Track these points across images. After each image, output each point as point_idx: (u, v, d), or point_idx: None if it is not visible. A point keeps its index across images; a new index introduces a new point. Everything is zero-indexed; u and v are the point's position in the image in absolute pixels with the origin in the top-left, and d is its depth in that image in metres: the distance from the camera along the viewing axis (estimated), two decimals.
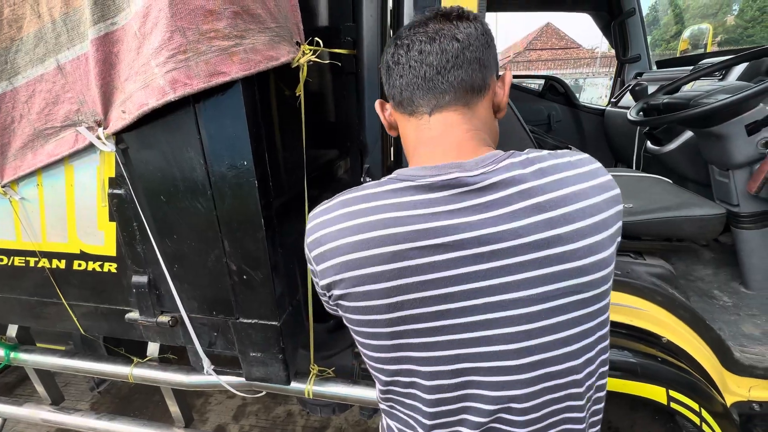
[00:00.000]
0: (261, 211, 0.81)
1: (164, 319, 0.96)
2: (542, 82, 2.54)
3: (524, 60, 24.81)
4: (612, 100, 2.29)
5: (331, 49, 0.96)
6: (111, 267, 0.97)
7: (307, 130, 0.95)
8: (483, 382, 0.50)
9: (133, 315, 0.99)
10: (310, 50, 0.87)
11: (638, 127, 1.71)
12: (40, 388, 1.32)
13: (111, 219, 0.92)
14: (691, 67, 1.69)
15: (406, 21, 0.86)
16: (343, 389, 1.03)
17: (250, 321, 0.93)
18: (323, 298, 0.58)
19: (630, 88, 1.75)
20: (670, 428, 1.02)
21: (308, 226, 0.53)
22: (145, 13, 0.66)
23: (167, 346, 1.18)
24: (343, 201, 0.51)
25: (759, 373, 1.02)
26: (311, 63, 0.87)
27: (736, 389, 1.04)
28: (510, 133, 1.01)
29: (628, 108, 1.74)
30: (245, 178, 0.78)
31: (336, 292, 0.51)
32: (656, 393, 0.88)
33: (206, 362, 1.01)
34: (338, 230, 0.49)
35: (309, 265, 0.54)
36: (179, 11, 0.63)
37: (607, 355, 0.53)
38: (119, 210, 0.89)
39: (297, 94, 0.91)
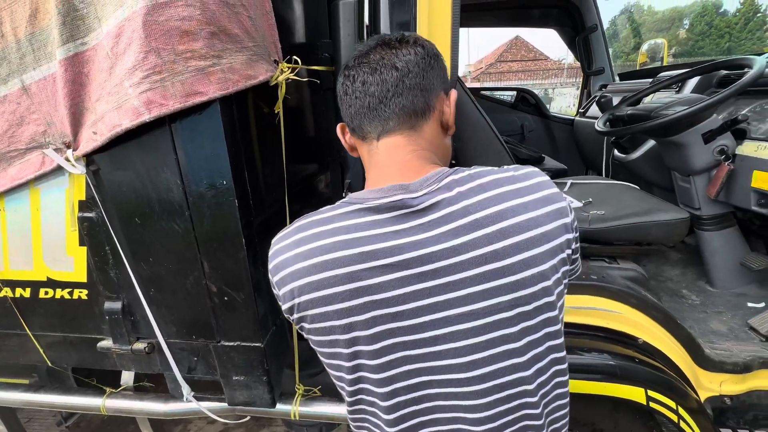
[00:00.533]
0: (242, 230, 0.79)
1: (140, 345, 0.92)
2: (514, 93, 2.63)
3: (496, 71, 25.69)
4: (580, 110, 2.40)
5: (309, 66, 0.97)
6: (81, 294, 0.93)
7: (287, 145, 0.94)
8: (440, 395, 0.51)
9: (106, 343, 0.94)
10: (289, 68, 0.87)
11: (605, 137, 1.80)
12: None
13: (81, 243, 0.88)
14: (650, 80, 1.80)
15: (382, 31, 0.87)
16: (330, 408, 1.01)
17: (232, 344, 0.90)
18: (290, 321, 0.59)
19: (596, 99, 1.84)
20: (650, 426, 1.06)
21: (270, 252, 0.55)
22: (118, 33, 0.65)
23: (143, 374, 1.12)
24: (299, 226, 0.53)
25: (728, 368, 1.08)
26: (290, 81, 0.87)
27: (708, 385, 1.09)
28: (487, 146, 1.04)
29: (595, 118, 1.83)
30: (225, 198, 0.77)
31: (297, 315, 0.52)
32: (635, 393, 0.91)
33: (186, 389, 0.97)
34: (294, 255, 0.51)
35: (273, 290, 0.55)
36: (153, 32, 0.63)
37: (563, 365, 0.55)
38: (90, 234, 0.86)
39: (276, 112, 0.91)
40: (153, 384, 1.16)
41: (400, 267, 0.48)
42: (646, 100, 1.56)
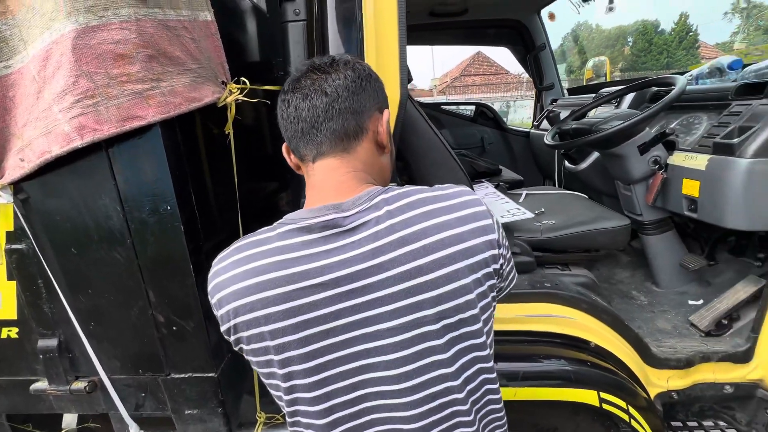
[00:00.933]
0: (189, 256, 0.76)
1: (80, 385, 0.85)
2: (474, 107, 2.74)
3: (461, 85, 26.64)
4: (535, 123, 2.52)
5: (259, 86, 0.96)
6: (11, 332, 0.85)
7: (244, 164, 0.93)
8: (377, 407, 0.53)
9: (40, 385, 0.86)
10: (238, 89, 0.86)
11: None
12: None
13: (9, 278, 0.81)
14: (594, 95, 1.94)
15: (331, 51, 0.89)
16: None
17: (183, 375, 0.85)
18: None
19: (546, 114, 1.95)
20: (608, 427, 1.09)
21: (209, 273, 0.54)
22: (45, 56, 0.61)
23: (88, 414, 1.04)
24: (236, 248, 0.53)
25: (673, 364, 1.14)
26: (239, 101, 0.86)
27: (656, 381, 1.15)
28: (441, 163, 1.07)
29: (548, 131, 1.94)
30: (169, 223, 0.74)
31: (234, 336, 0.53)
32: (589, 397, 0.95)
33: (134, 427, 0.91)
34: (231, 277, 0.51)
35: (213, 311, 0.55)
36: (84, 55, 0.60)
37: (491, 374, 0.57)
38: (20, 267, 0.79)
39: (227, 132, 0.90)
40: (99, 425, 1.07)
41: (330, 285, 0.49)
42: (591, 114, 1.66)
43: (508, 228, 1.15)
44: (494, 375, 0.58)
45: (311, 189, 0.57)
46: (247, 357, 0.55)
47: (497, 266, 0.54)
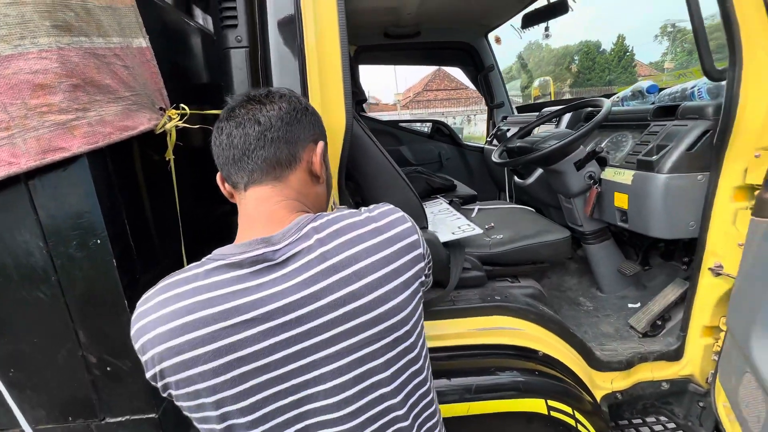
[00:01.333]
0: (123, 291, 0.72)
1: None
2: (430, 124, 2.83)
3: (423, 99, 27.44)
4: (488, 139, 2.65)
5: (202, 111, 0.95)
6: None
7: (192, 188, 0.90)
8: None
9: None
10: (177, 115, 0.85)
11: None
12: None
13: None
14: (538, 113, 2.07)
15: (275, 78, 0.89)
16: None
17: (120, 419, 0.79)
18: None
19: (495, 132, 2.05)
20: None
21: (133, 316, 0.52)
22: None
23: None
24: (162, 287, 0.51)
25: (615, 366, 1.22)
26: (179, 128, 0.85)
27: (601, 384, 1.22)
28: (392, 183, 1.09)
29: (495, 148, 2.03)
30: (100, 258, 0.70)
31: (161, 383, 0.50)
32: (538, 405, 0.99)
33: None
34: (156, 318, 0.49)
35: (139, 356, 0.52)
36: None
37: (426, 387, 0.60)
38: None
39: (167, 159, 0.87)
40: None
41: (263, 320, 0.48)
42: (535, 132, 1.78)
43: (459, 244, 1.19)
44: (427, 386, 0.60)
45: (243, 218, 0.57)
46: (177, 403, 0.52)
47: (424, 277, 0.57)
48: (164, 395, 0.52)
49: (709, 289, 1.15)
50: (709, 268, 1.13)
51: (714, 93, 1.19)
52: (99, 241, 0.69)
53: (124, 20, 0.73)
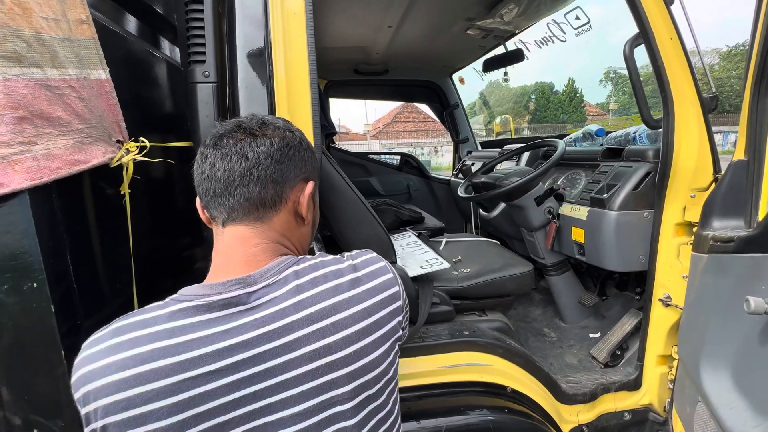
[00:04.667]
0: (61, 340, 0.65)
1: None
2: (399, 157, 2.90)
3: (393, 130, 28.31)
4: (454, 172, 2.74)
5: (163, 143, 0.91)
6: None
7: (155, 219, 0.84)
8: None
9: None
10: (136, 148, 0.81)
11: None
12: None
13: None
14: (499, 149, 2.19)
15: (242, 114, 0.88)
16: None
17: None
18: None
19: (460, 167, 2.14)
20: None
21: (75, 361, 0.46)
22: None
23: None
24: (114, 330, 0.46)
25: (580, 399, 1.23)
26: (137, 161, 0.81)
27: (568, 417, 1.23)
28: (360, 218, 1.09)
29: (461, 183, 2.11)
30: (35, 303, 0.63)
31: None
32: None
33: None
34: (105, 366, 0.43)
35: (77, 407, 0.46)
36: None
37: None
38: None
39: (122, 193, 0.82)
40: None
41: (228, 371, 0.44)
42: (498, 167, 1.87)
43: (428, 278, 1.19)
44: None
45: (218, 255, 0.53)
46: None
47: (401, 331, 0.55)
48: None
49: (660, 319, 1.21)
50: (659, 299, 1.20)
51: (652, 138, 1.31)
52: (35, 285, 0.63)
53: (83, 52, 0.71)
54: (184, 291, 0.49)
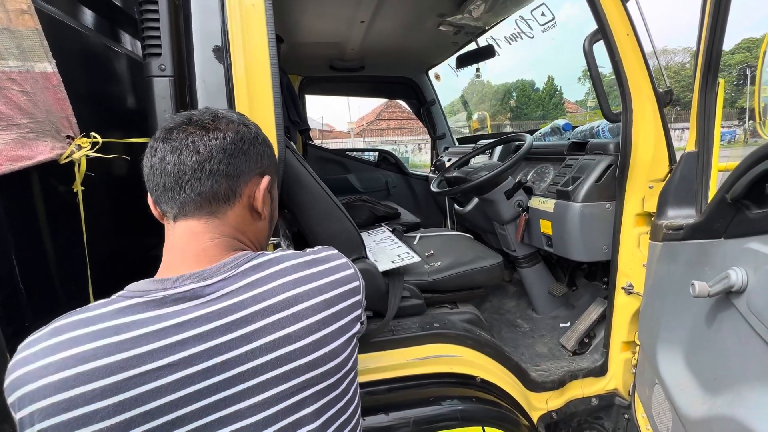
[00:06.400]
0: (6, 343, 0.63)
1: None
2: (377, 153, 2.90)
3: (376, 128, 28.28)
4: (432, 168, 2.76)
5: (116, 140, 0.89)
6: None
7: (116, 218, 0.81)
8: None
9: None
10: (89, 143, 0.79)
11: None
12: None
13: None
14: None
15: (200, 104, 0.86)
16: None
17: None
18: None
19: (437, 161, 2.16)
20: None
21: (10, 363, 0.44)
22: None
23: None
24: (53, 329, 0.44)
25: (549, 386, 1.27)
26: (90, 158, 0.78)
27: (537, 405, 1.26)
28: (328, 213, 1.08)
29: (434, 178, 2.13)
30: None
31: None
32: None
33: None
34: (40, 367, 0.41)
35: (11, 412, 0.44)
36: None
37: (348, 430, 0.56)
38: None
39: (75, 191, 0.80)
40: None
41: (181, 366, 0.44)
42: (472, 162, 1.89)
43: (399, 272, 1.20)
44: (350, 427, 0.57)
45: (169, 251, 0.52)
46: None
47: (359, 325, 0.56)
48: None
49: (623, 307, 1.25)
50: (622, 288, 1.24)
51: (614, 132, 1.35)
52: None
53: (24, 43, 0.68)
54: (132, 287, 0.48)
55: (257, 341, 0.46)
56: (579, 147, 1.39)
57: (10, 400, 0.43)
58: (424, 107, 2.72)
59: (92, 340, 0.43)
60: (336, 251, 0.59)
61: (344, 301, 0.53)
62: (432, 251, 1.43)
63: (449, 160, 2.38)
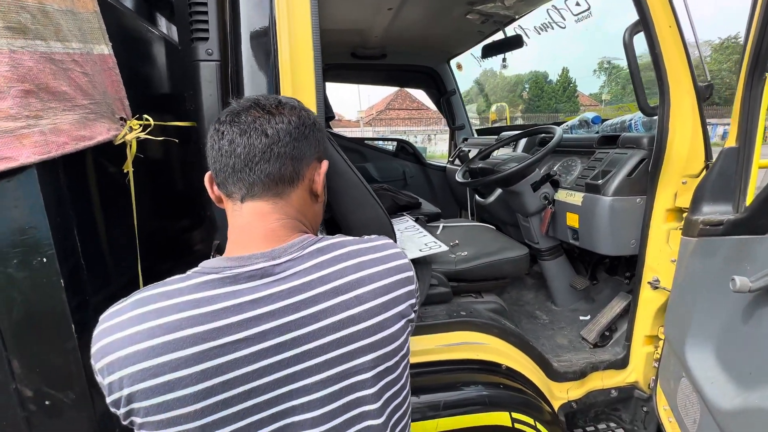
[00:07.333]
0: (71, 314, 0.66)
1: None
2: (395, 143, 2.90)
3: (386, 117, 28.07)
4: (450, 159, 2.76)
5: (166, 122, 0.91)
6: None
7: (152, 200, 0.85)
8: None
9: None
10: (139, 126, 0.81)
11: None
12: None
13: None
14: (496, 136, 2.20)
15: (246, 93, 0.88)
16: None
17: None
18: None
19: (457, 153, 2.15)
20: None
21: (95, 332, 0.47)
22: None
23: None
24: (137, 300, 0.47)
25: (570, 377, 1.29)
26: (140, 139, 0.81)
27: (558, 394, 1.28)
28: (361, 201, 1.09)
29: (458, 169, 2.13)
30: (45, 278, 0.64)
31: (124, 408, 0.45)
32: (502, 418, 1.02)
33: None
34: (129, 335, 0.44)
35: (96, 378, 0.47)
36: None
37: (405, 419, 0.59)
38: None
39: (125, 171, 0.82)
40: None
41: (256, 340, 0.46)
42: (494, 154, 1.89)
43: (426, 261, 1.21)
44: (407, 416, 0.59)
45: (237, 231, 0.54)
46: (139, 431, 0.47)
47: (413, 313, 0.58)
48: (125, 423, 0.47)
49: (648, 302, 1.26)
50: (648, 282, 1.24)
51: (647, 125, 1.34)
52: (45, 260, 0.63)
53: (85, 25, 0.70)
54: (207, 264, 0.50)
55: (324, 321, 0.49)
56: (609, 140, 1.38)
57: (98, 365, 0.46)
58: (444, 97, 2.70)
59: (176, 311, 0.45)
60: (391, 241, 0.60)
61: (401, 288, 0.55)
62: (457, 241, 1.44)
63: (469, 151, 2.37)
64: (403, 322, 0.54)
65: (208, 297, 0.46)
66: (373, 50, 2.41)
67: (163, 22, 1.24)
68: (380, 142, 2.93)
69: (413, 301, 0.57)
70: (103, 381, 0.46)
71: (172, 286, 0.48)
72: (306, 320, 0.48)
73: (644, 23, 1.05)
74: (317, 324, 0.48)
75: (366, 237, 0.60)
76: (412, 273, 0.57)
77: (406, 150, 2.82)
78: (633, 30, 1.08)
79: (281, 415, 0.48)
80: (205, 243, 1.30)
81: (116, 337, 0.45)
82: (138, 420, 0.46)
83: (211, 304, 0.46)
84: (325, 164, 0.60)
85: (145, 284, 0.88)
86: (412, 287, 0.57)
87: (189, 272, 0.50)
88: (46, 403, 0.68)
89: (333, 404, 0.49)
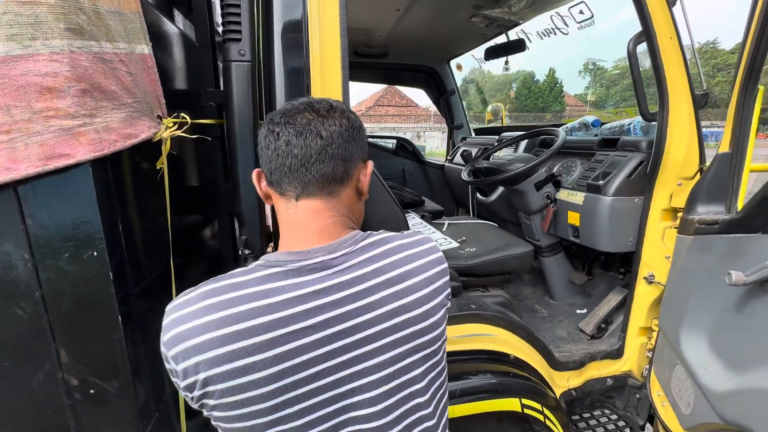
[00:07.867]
0: (117, 306, 0.68)
1: None
2: (395, 141, 2.94)
3: (375, 114, 28.00)
4: (448, 158, 2.82)
5: (196, 121, 0.93)
6: None
7: (177, 197, 0.87)
8: None
9: None
10: (174, 124, 0.83)
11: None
12: None
13: None
14: (495, 135, 2.27)
15: (278, 92, 0.91)
16: None
17: None
18: (186, 398, 0.54)
19: (461, 152, 2.21)
20: (526, 429, 1.25)
21: (165, 321, 0.50)
22: None
23: None
24: (207, 291, 0.50)
25: (570, 366, 1.37)
26: (175, 137, 0.83)
27: (560, 383, 1.36)
28: (379, 199, 1.14)
29: (460, 164, 2.19)
30: (94, 271, 0.66)
31: (199, 391, 0.49)
32: (513, 404, 1.08)
33: None
34: (203, 324, 0.48)
35: (167, 365, 0.50)
36: (2, 87, 0.53)
37: (443, 390, 0.64)
38: None
39: (158, 167, 0.84)
40: None
41: (320, 327, 0.50)
42: (496, 154, 1.95)
43: None
44: (443, 389, 0.65)
45: (291, 227, 0.57)
46: (211, 413, 0.51)
47: (449, 302, 0.63)
48: (195, 406, 0.51)
49: (644, 295, 1.35)
50: (644, 277, 1.33)
51: (645, 130, 1.42)
52: (95, 254, 0.65)
53: (129, 26, 0.72)
54: (270, 257, 0.54)
55: (379, 309, 0.53)
56: (609, 143, 1.46)
57: (171, 353, 0.49)
58: (444, 97, 2.76)
59: (246, 302, 0.49)
60: (427, 236, 0.65)
61: (440, 279, 0.60)
62: (464, 238, 1.50)
63: (467, 150, 2.43)
64: (443, 310, 0.59)
65: (275, 288, 0.50)
66: (376, 49, 2.44)
67: (180, 19, 1.24)
68: (380, 140, 2.96)
69: (448, 290, 0.62)
70: (176, 367, 0.49)
71: (239, 278, 0.51)
72: (363, 309, 0.52)
73: (647, 34, 1.12)
74: (373, 312, 0.53)
75: (405, 232, 0.64)
76: (446, 265, 0.62)
77: (405, 148, 2.87)
78: (636, 40, 1.15)
79: (342, 396, 0.53)
80: (217, 238, 1.32)
81: (191, 325, 0.48)
82: (211, 402, 0.49)
83: (278, 295, 0.50)
84: (370, 164, 0.64)
85: (175, 279, 0.91)
86: (447, 278, 0.62)
87: (252, 265, 0.54)
88: (91, 392, 0.71)
89: (388, 385, 0.54)
